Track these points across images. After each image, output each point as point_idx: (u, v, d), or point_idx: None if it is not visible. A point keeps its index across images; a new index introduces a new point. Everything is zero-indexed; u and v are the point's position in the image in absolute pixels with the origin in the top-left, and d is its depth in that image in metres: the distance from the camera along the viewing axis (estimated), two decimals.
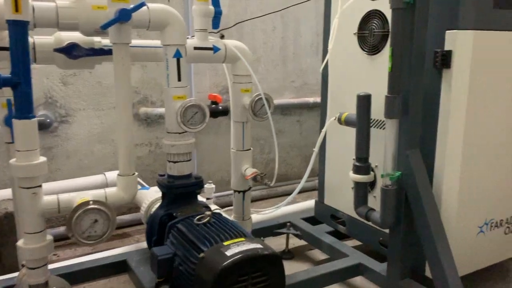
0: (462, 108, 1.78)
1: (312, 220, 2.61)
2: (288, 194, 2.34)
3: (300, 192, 3.34)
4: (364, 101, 1.90)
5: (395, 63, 1.72)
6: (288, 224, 2.52)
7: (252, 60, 2.19)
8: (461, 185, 1.85)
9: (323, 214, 2.55)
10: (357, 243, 2.43)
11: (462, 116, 1.78)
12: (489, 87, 1.83)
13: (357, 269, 2.09)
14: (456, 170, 1.83)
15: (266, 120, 3.56)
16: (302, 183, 2.21)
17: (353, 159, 1.95)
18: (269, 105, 2.07)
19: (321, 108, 2.49)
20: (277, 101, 3.52)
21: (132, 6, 1.61)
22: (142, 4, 1.63)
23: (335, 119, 2.13)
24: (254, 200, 3.46)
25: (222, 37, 2.10)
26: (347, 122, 2.04)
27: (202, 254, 1.49)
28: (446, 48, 1.76)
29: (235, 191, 2.19)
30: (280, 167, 3.68)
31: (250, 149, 2.21)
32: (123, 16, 1.58)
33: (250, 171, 2.09)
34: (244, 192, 2.17)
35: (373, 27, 2.06)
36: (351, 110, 2.00)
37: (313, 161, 2.27)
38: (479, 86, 1.79)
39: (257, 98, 2.02)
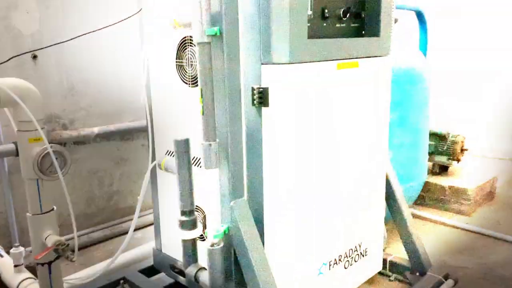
0: (286, 149, 1.60)
1: (153, 270, 2.29)
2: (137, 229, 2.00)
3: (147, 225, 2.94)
4: (182, 147, 1.62)
5: (206, 105, 1.47)
6: (122, 281, 2.15)
7: (41, 103, 1.70)
8: (296, 231, 1.69)
9: (162, 263, 2.24)
10: None
11: (286, 157, 1.61)
12: (311, 124, 1.68)
13: None
14: (288, 215, 1.66)
15: (104, 148, 3.19)
16: (130, 234, 1.89)
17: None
18: (64, 162, 1.67)
19: (148, 143, 2.16)
20: (115, 125, 3.12)
21: None
22: None
23: (158, 164, 1.83)
24: (97, 242, 3.02)
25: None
26: (168, 169, 1.76)
27: None
28: (263, 84, 1.56)
29: (37, 263, 1.75)
30: (126, 199, 3.28)
31: (52, 209, 1.78)
32: None
33: (50, 241, 1.67)
34: (49, 263, 1.75)
35: (190, 56, 1.79)
36: None
37: (139, 210, 1.96)
38: (301, 124, 1.63)
39: (44, 153, 1.61)
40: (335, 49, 1.73)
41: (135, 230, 2.07)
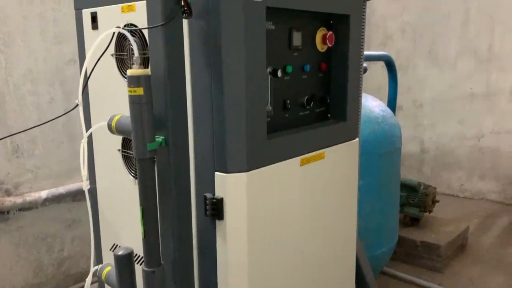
0: (242, 267, 1.42)
1: None
2: None
3: None
4: (123, 262, 1.41)
5: (149, 227, 1.27)
6: None
7: None
8: None
9: None
10: None
11: (243, 275, 1.43)
12: (270, 234, 1.51)
13: None
14: None
15: (54, 211, 2.93)
16: None
17: None
18: None
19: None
20: (66, 187, 2.87)
21: None
22: None
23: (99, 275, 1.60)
24: None
25: None
26: (110, 283, 1.54)
27: None
28: (217, 193, 1.38)
29: None
30: (78, 264, 3.02)
31: None
32: None
33: None
34: None
35: (131, 47, 1.53)
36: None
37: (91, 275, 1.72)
38: (259, 237, 1.46)
39: None
40: (299, 144, 1.57)
41: None
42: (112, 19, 1.58)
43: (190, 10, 1.25)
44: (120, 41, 1.59)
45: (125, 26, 1.54)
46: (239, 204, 1.37)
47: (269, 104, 1.48)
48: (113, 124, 1.31)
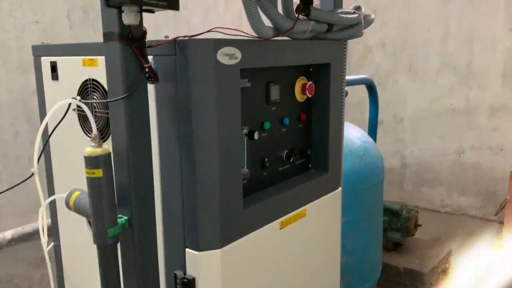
0: None
1: None
2: None
3: None
4: None
5: None
6: None
7: None
8: None
9: None
10: None
11: None
12: None
13: None
14: None
15: (21, 251, 2.76)
16: None
17: None
18: None
19: None
20: (33, 225, 2.70)
21: None
22: None
23: None
24: None
25: None
26: None
27: None
28: (189, 272, 1.26)
29: None
30: None
31: None
32: None
33: None
34: None
35: (94, 105, 1.42)
36: None
37: None
38: None
39: None
40: (278, 206, 1.46)
41: None
42: (73, 72, 1.45)
43: (156, 76, 1.13)
44: (84, 94, 1.45)
45: (86, 81, 1.42)
46: (213, 284, 1.26)
47: (245, 167, 1.37)
48: (71, 202, 1.18)
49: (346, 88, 2.89)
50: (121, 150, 1.11)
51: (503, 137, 4.28)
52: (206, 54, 1.15)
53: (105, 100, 1.16)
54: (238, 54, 1.21)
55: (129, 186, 1.12)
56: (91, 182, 1.06)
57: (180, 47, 1.15)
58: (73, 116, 1.50)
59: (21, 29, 2.57)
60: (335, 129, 1.67)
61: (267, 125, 1.44)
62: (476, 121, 4.39)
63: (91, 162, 1.05)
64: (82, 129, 1.49)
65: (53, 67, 1.54)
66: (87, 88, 1.42)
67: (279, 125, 1.52)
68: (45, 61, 1.57)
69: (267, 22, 1.30)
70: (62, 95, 1.53)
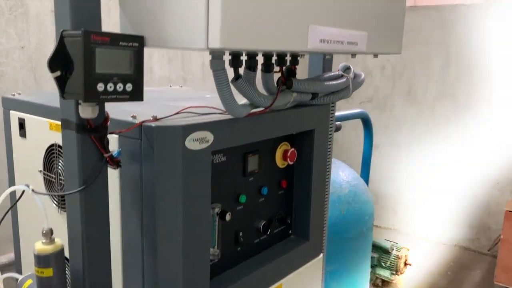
0: None
1: None
2: None
3: None
4: None
5: None
6: None
7: None
8: None
9: None
10: None
11: None
12: None
13: None
14: None
15: None
16: None
17: None
18: None
19: None
20: (8, 255, 2.62)
21: None
22: None
23: None
24: None
25: None
26: None
27: None
28: None
29: None
30: None
31: None
32: None
33: None
34: None
35: (60, 170, 1.33)
36: None
37: None
38: None
39: None
40: (251, 285, 1.38)
41: None
42: (40, 133, 1.37)
43: (118, 164, 1.05)
44: (50, 157, 1.37)
45: (52, 146, 1.34)
46: None
47: (215, 246, 1.29)
48: None
49: (338, 123, 2.81)
50: (76, 242, 1.03)
51: (500, 171, 4.20)
52: (174, 141, 1.06)
53: (60, 193, 1.08)
54: (210, 137, 1.13)
55: (83, 279, 1.04)
56: (40, 282, 0.98)
57: (145, 132, 1.07)
58: (39, 177, 1.42)
59: (5, 55, 2.49)
60: (318, 196, 1.59)
61: (243, 199, 1.36)
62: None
63: (41, 260, 0.97)
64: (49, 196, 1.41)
65: (21, 124, 1.46)
66: (53, 154, 1.34)
67: (256, 195, 1.44)
68: (14, 116, 1.49)
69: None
70: (29, 154, 1.46)
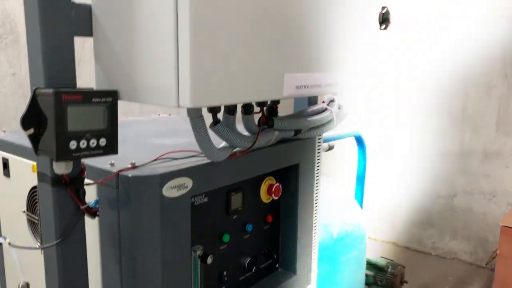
0: None
1: None
2: None
3: None
4: None
5: None
6: None
7: None
8: None
9: None
10: None
11: None
12: None
13: None
14: None
15: None
16: None
17: None
18: None
19: None
20: None
21: None
22: None
23: None
24: None
25: None
26: None
27: None
28: None
29: None
30: None
31: None
32: None
33: None
34: None
35: None
36: None
37: None
38: None
39: None
40: None
41: None
42: (22, 175, 1.37)
43: (94, 214, 1.05)
44: (33, 199, 1.37)
45: (33, 188, 1.34)
46: None
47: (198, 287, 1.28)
48: None
49: (331, 143, 2.80)
50: None
51: (497, 183, 4.19)
52: (151, 190, 1.06)
53: (38, 247, 1.08)
54: (189, 182, 1.12)
55: None
56: None
57: (122, 182, 1.06)
58: (24, 219, 1.42)
59: None
60: (306, 227, 1.58)
61: (226, 238, 1.36)
62: (469, 165, 4.30)
63: None
64: (32, 234, 1.41)
65: (5, 164, 1.46)
66: (36, 196, 1.34)
67: (241, 233, 1.43)
68: None
69: None
70: (12, 194, 1.46)
